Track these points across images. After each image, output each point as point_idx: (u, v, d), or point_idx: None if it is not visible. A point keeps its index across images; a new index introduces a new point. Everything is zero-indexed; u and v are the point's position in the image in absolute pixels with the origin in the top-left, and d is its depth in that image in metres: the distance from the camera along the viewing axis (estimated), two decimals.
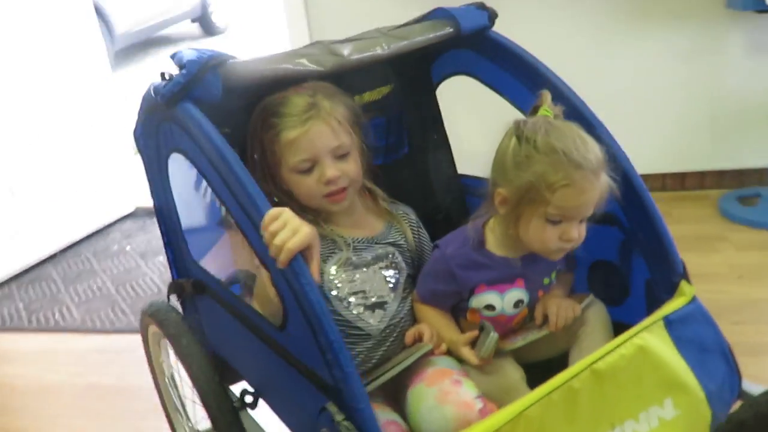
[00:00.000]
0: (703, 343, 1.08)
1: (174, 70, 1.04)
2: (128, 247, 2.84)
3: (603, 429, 0.96)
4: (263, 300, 1.03)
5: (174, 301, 1.35)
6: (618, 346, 1.00)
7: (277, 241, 0.85)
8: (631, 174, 1.13)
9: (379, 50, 1.17)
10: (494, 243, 1.14)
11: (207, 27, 7.63)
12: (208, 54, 1.02)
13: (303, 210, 1.12)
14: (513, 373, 1.10)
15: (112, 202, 3.09)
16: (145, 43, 7.14)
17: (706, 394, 1.04)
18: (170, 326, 1.16)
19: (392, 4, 2.52)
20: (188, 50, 1.04)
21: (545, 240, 1.06)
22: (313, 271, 0.88)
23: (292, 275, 0.86)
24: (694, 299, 1.10)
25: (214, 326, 1.27)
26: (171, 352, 1.35)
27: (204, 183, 1.23)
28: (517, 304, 1.15)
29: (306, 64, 1.12)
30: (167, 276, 2.55)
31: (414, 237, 1.27)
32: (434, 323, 1.16)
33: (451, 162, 1.48)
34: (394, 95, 1.41)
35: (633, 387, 1.00)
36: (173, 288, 1.29)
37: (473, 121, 1.78)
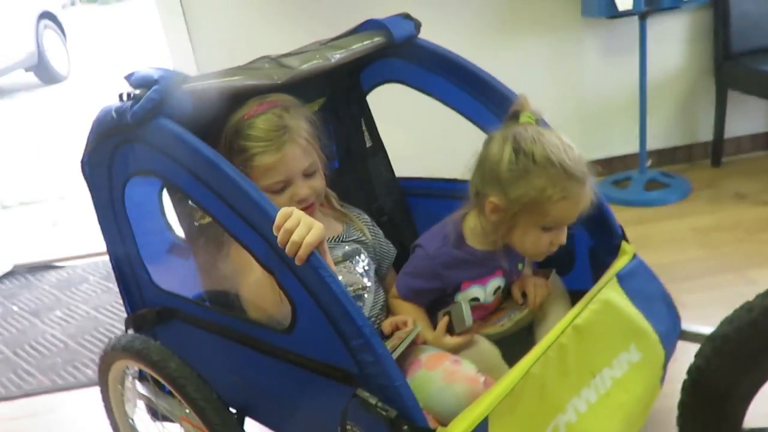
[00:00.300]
0: (648, 292, 1.23)
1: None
2: (14, 308, 2.59)
3: (587, 379, 1.07)
4: (264, 307, 1.03)
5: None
6: (588, 303, 1.12)
7: (296, 237, 0.86)
8: None
9: (326, 60, 1.22)
10: (474, 239, 1.20)
11: (44, 75, 7.11)
12: (171, 71, 1.02)
13: None
14: (491, 351, 1.18)
15: None
16: None
17: (658, 336, 1.18)
18: (153, 354, 1.10)
19: (274, 33, 2.58)
20: (149, 68, 1.02)
21: (539, 246, 1.13)
22: (329, 263, 0.90)
23: (310, 269, 0.87)
24: (635, 256, 1.25)
25: (183, 352, 1.22)
26: (138, 388, 1.28)
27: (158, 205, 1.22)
28: (496, 291, 1.24)
29: (261, 78, 1.14)
30: (71, 330, 2.39)
31: (372, 234, 1.32)
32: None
33: (389, 166, 1.55)
34: (328, 106, 1.46)
35: (605, 338, 1.11)
36: (135, 321, 1.23)
37: (401, 125, 1.86)
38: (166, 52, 2.60)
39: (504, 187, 1.09)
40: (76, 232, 3.22)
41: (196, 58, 2.58)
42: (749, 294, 0.99)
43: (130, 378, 1.28)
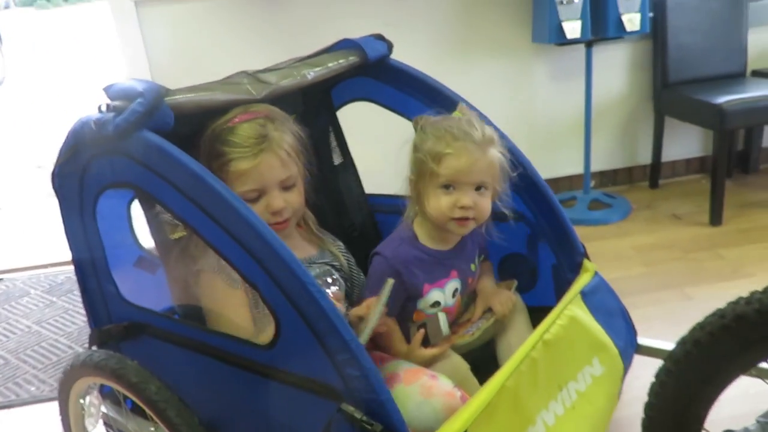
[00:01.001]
0: (608, 308, 1.29)
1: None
2: None
3: (554, 392, 1.11)
4: (243, 323, 1.02)
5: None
6: (556, 318, 1.16)
7: None
8: (533, 173, 1.32)
9: (302, 77, 1.24)
10: (425, 237, 1.26)
11: None
12: (154, 84, 1.01)
13: None
14: (461, 366, 1.21)
15: None
16: None
17: (618, 350, 1.24)
18: (131, 375, 1.06)
19: (231, 46, 2.57)
20: (130, 80, 1.01)
21: (442, 207, 1.18)
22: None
23: (297, 284, 0.88)
24: (596, 273, 1.31)
25: (149, 368, 1.20)
26: (102, 408, 1.24)
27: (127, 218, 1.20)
28: (454, 293, 1.28)
29: (241, 93, 1.14)
30: (11, 345, 2.29)
31: (346, 260, 1.33)
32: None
33: (359, 181, 1.57)
34: (299, 122, 1.46)
35: (571, 352, 1.17)
36: (101, 336, 1.19)
37: (370, 142, 1.88)
38: (122, 63, 2.55)
39: (411, 162, 1.23)
40: (13, 245, 3.08)
41: (151, 69, 2.54)
42: (687, 309, 1.05)
43: (94, 393, 1.24)
